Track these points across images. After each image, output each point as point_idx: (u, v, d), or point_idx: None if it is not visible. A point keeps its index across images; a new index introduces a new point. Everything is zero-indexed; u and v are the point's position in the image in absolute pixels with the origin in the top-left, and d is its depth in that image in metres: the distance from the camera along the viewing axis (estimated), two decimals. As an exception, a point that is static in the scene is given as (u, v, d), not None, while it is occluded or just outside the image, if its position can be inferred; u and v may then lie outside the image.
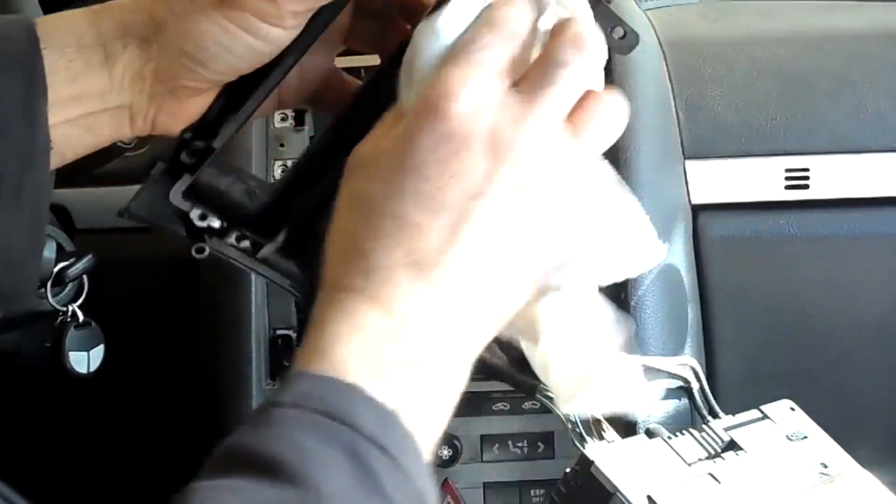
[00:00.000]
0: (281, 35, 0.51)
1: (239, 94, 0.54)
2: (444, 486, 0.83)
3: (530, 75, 0.44)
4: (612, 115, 0.46)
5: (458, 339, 0.44)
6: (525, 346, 0.51)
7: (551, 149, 0.43)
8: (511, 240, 0.43)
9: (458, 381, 0.45)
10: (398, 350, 0.42)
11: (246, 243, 0.54)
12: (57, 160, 0.52)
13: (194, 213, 0.54)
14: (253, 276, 0.88)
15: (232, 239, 0.54)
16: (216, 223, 0.54)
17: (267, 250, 0.53)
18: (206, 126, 0.54)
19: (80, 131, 0.53)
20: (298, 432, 0.39)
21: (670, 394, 0.84)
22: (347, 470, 0.38)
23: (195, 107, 0.54)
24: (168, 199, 0.53)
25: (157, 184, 0.54)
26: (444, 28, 0.45)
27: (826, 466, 0.75)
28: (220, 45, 0.50)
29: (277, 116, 0.92)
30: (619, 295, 0.85)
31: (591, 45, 0.45)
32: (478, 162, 0.42)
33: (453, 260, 0.42)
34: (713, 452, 0.73)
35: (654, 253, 0.51)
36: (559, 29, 0.45)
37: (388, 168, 0.43)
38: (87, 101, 0.52)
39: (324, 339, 0.42)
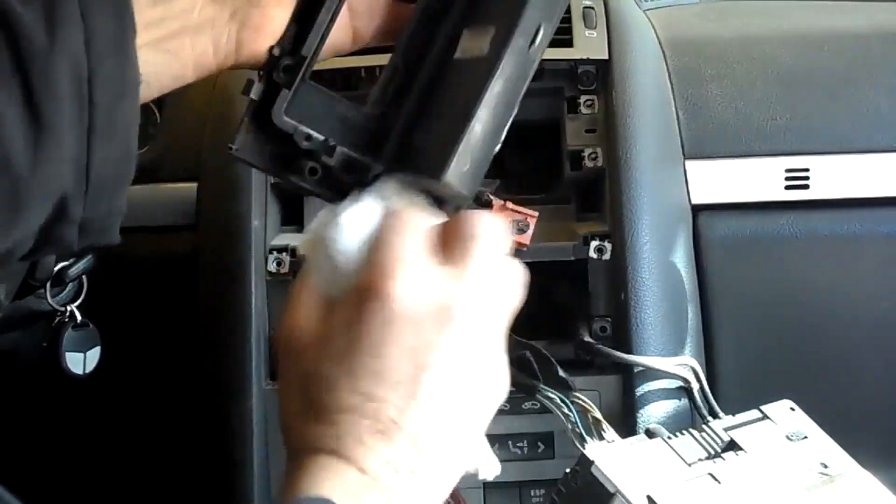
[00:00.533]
0: None
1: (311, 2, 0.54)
2: (444, 487, 0.83)
3: (452, 249, 0.50)
4: (514, 279, 0.54)
5: (425, 485, 0.49)
6: None
7: (482, 311, 0.50)
8: (459, 395, 0.50)
9: None
10: (376, 499, 0.47)
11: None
12: (145, 92, 0.52)
13: (299, 135, 0.54)
14: (253, 276, 0.88)
15: (336, 161, 0.54)
16: (320, 141, 0.54)
17: (376, 169, 0.54)
18: (292, 41, 0.55)
19: (164, 58, 0.54)
20: None
21: (670, 394, 0.84)
22: None
23: (278, 19, 0.55)
24: (268, 131, 0.54)
25: (256, 115, 0.54)
26: (346, 223, 0.51)
27: (826, 466, 0.75)
28: None
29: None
30: (619, 295, 0.85)
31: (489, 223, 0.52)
32: (424, 335, 0.48)
33: (411, 423, 0.48)
34: (713, 452, 0.73)
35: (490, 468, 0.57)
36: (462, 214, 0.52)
37: (342, 350, 0.48)
38: (168, 22, 0.53)
39: (308, 493, 0.46)
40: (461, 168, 0.50)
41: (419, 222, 0.51)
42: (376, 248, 0.49)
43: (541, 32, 0.52)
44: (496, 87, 0.50)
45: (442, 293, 0.49)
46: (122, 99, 0.50)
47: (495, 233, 0.52)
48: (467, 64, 0.53)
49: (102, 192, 0.51)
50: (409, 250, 0.49)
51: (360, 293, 0.48)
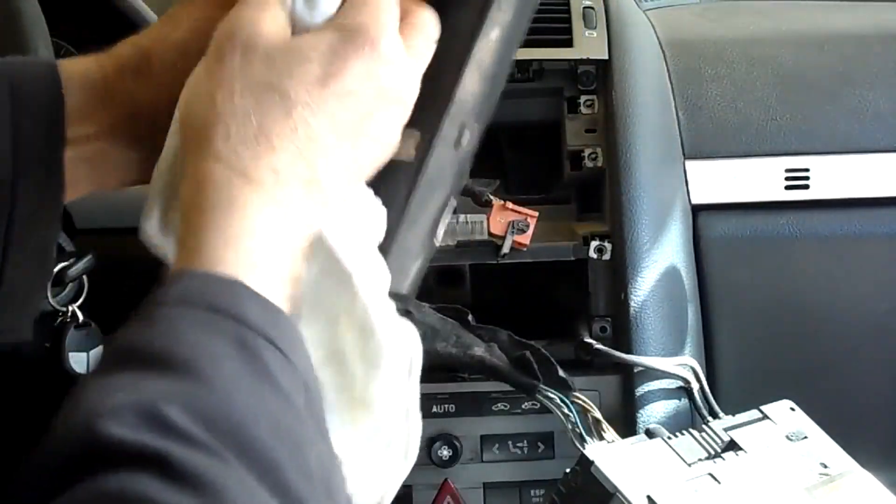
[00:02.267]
0: None
1: None
2: (444, 486, 0.83)
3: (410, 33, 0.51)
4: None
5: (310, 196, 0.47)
6: None
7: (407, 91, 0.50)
8: (357, 132, 0.48)
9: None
10: (276, 243, 0.44)
11: None
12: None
13: None
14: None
15: None
16: None
17: None
18: None
19: (88, 169, 0.54)
20: (185, 327, 0.39)
21: (670, 394, 0.84)
22: (238, 360, 0.39)
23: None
24: None
25: None
26: None
27: (826, 466, 0.75)
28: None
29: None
30: (619, 295, 0.85)
31: None
32: (379, 88, 0.48)
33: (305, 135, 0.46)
34: (713, 452, 0.73)
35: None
36: None
37: (315, 77, 0.47)
38: (95, 139, 0.53)
39: (206, 234, 0.43)
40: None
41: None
42: None
43: (466, 133, 0.54)
44: (424, 193, 0.53)
45: (404, 65, 0.49)
46: (42, 209, 0.51)
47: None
48: (400, 165, 0.53)
49: (13, 299, 0.51)
50: (392, 16, 0.49)
51: (348, 29, 0.48)
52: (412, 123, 0.52)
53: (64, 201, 0.52)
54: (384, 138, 0.50)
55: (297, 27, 0.50)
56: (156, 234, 0.52)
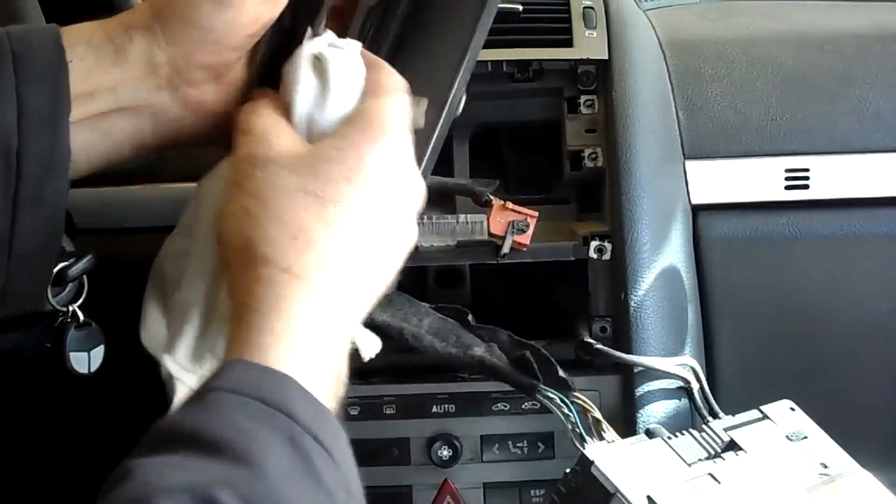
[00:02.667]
0: None
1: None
2: (444, 486, 0.83)
3: None
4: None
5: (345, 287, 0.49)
6: None
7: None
8: (382, 234, 0.51)
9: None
10: (322, 335, 0.47)
11: None
12: (74, 169, 0.53)
13: None
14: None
15: None
16: None
17: None
18: None
19: (97, 137, 0.54)
20: (239, 417, 0.40)
21: (670, 394, 0.84)
22: (287, 454, 0.40)
23: (210, 95, 0.55)
24: None
25: None
26: (352, 54, 0.55)
27: (826, 466, 0.75)
28: (223, 5, 0.52)
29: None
30: (619, 295, 0.85)
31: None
32: (395, 182, 0.51)
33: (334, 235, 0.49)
34: (713, 452, 0.73)
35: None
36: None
37: (332, 175, 0.49)
38: (101, 98, 0.53)
39: (257, 328, 0.45)
40: None
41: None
42: (377, 90, 0.53)
43: (461, 99, 0.59)
44: (433, 157, 0.58)
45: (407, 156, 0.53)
46: (50, 175, 0.51)
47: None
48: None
49: (24, 265, 0.52)
50: (401, 110, 0.53)
51: (360, 125, 0.51)
52: (422, 93, 0.55)
53: (69, 168, 0.52)
54: (410, 214, 0.53)
55: (315, 131, 0.53)
56: (186, 363, 0.53)
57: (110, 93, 0.53)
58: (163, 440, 0.40)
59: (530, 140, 0.96)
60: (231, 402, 0.41)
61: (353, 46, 0.55)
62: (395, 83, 0.54)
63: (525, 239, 0.84)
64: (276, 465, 0.39)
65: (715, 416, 0.80)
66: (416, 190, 0.53)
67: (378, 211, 0.50)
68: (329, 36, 0.55)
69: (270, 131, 0.51)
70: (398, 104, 0.53)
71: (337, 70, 0.53)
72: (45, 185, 0.51)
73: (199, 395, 0.42)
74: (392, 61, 0.56)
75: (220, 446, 0.39)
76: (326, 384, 0.46)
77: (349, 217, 0.49)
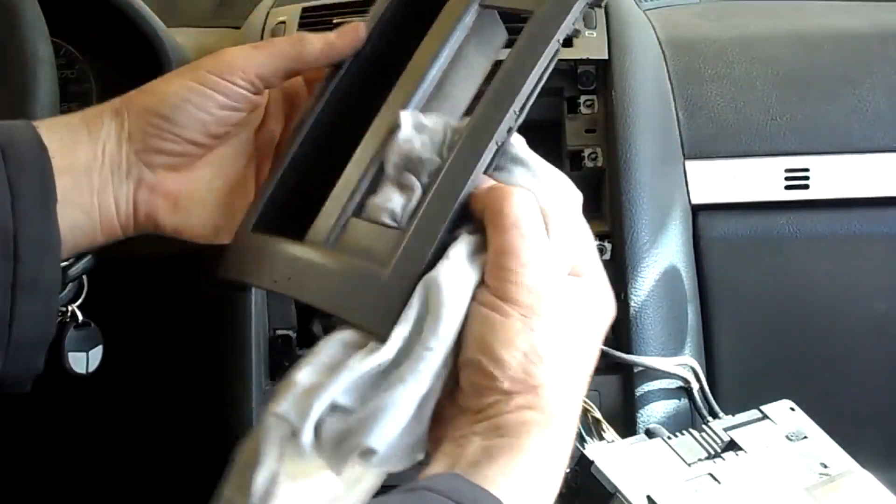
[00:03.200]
0: (251, 97, 0.56)
1: None
2: (444, 487, 0.83)
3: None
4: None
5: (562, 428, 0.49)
6: None
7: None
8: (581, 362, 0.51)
9: None
10: (548, 470, 0.47)
11: None
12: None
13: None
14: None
15: None
16: None
17: None
18: None
19: (77, 215, 0.55)
20: None
21: (670, 394, 0.84)
22: None
23: (168, 180, 0.57)
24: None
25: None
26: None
27: (826, 466, 0.75)
28: (187, 100, 0.55)
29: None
30: (619, 295, 0.85)
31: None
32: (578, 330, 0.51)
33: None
34: (713, 452, 0.73)
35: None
36: None
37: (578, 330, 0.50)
38: (78, 176, 0.55)
39: (493, 456, 0.45)
40: None
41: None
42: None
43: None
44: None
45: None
46: (45, 255, 0.52)
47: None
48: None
49: (22, 349, 0.53)
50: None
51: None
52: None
53: (62, 254, 0.54)
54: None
55: None
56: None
57: (84, 172, 0.55)
58: None
59: (530, 140, 0.96)
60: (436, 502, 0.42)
61: None
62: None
63: (525, 239, 0.84)
64: None
65: (715, 416, 0.80)
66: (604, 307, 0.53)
67: (582, 353, 0.50)
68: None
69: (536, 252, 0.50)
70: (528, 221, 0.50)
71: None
72: (42, 267, 0.52)
73: (416, 492, 0.43)
74: None
75: None
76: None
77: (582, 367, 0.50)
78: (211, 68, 0.56)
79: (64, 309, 0.81)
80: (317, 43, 0.57)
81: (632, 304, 0.84)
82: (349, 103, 0.59)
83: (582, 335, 0.49)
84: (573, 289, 0.50)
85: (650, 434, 0.74)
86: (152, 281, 0.98)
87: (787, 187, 0.92)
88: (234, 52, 0.57)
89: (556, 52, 0.54)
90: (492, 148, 0.53)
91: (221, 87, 0.55)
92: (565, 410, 0.48)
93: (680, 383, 0.83)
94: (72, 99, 0.96)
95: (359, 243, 0.53)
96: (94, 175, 0.56)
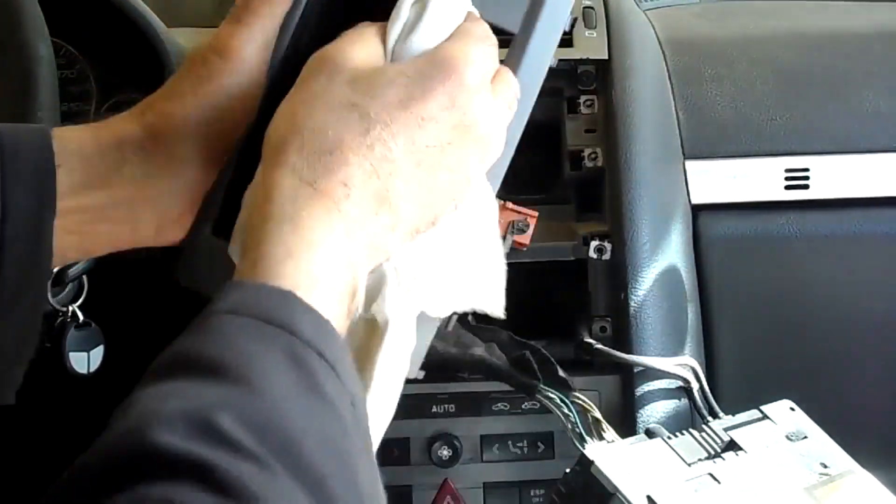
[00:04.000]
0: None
1: None
2: (444, 486, 0.83)
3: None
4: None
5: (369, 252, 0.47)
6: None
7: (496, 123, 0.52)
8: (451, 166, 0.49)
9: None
10: (336, 259, 0.44)
11: None
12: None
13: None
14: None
15: None
16: None
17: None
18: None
19: (75, 239, 0.53)
20: (239, 337, 0.40)
21: (670, 394, 0.84)
22: (288, 371, 0.39)
23: (194, 211, 0.55)
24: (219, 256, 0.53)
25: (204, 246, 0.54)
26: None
27: (826, 466, 0.75)
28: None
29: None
30: (619, 295, 0.85)
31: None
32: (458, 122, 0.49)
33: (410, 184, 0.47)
34: (713, 452, 0.73)
35: (496, 304, 0.56)
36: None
37: (397, 101, 0.47)
38: (88, 213, 0.52)
39: (269, 244, 0.43)
40: None
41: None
42: (465, 35, 0.51)
43: None
44: None
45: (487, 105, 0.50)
46: (28, 285, 0.50)
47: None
48: None
49: None
50: (485, 56, 0.51)
51: (436, 60, 0.49)
52: None
53: (51, 272, 0.52)
54: (461, 173, 0.50)
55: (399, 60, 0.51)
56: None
57: (96, 209, 0.52)
58: (164, 369, 0.40)
59: (530, 140, 0.96)
60: (232, 324, 0.40)
61: None
62: (484, 33, 0.52)
63: (525, 239, 0.84)
64: (277, 383, 0.38)
65: (715, 416, 0.80)
66: (485, 144, 0.50)
67: (428, 149, 0.47)
68: None
69: (355, 42, 0.50)
70: (483, 53, 0.50)
71: (435, 5, 0.51)
72: (22, 294, 0.50)
73: (201, 320, 0.41)
74: None
75: (218, 369, 0.37)
76: (335, 305, 0.43)
77: (394, 147, 0.46)
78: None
79: (64, 309, 0.81)
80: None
81: (632, 304, 0.84)
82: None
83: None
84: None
85: (650, 434, 0.74)
86: (152, 281, 0.98)
87: (787, 187, 0.92)
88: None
89: None
90: None
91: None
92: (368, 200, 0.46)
93: (680, 383, 0.83)
94: (72, 99, 0.96)
95: None
96: (107, 212, 0.53)
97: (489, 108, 0.50)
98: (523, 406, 0.84)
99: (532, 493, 0.84)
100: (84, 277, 0.81)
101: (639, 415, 0.83)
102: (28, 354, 0.53)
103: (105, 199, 0.52)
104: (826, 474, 0.74)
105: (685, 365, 0.83)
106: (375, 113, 0.46)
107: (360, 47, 0.50)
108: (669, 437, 0.73)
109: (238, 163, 0.54)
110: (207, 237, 0.54)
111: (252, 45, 0.53)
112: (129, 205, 0.53)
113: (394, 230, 0.47)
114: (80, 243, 0.53)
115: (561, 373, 0.77)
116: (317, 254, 0.43)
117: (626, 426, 0.82)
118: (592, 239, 0.86)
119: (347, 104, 0.47)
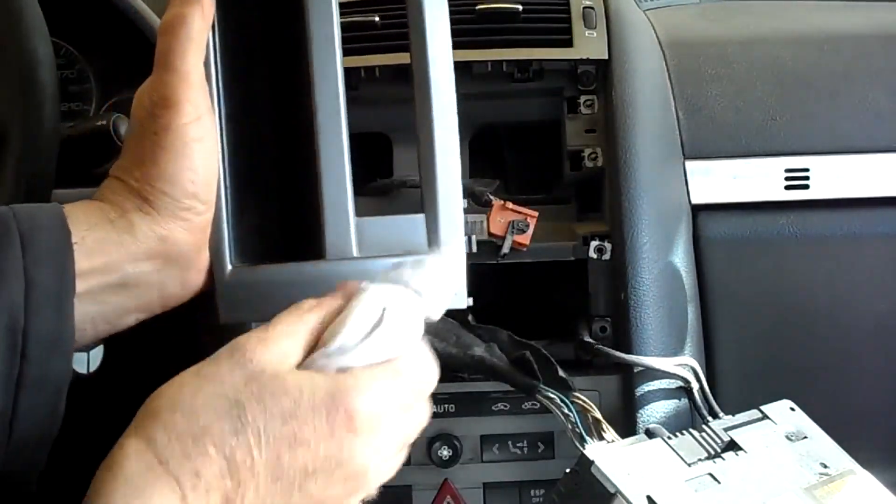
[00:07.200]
0: None
1: None
2: (444, 486, 0.83)
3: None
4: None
5: None
6: None
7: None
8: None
9: None
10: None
11: None
12: (81, 339, 0.53)
13: None
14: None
15: None
16: None
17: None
18: None
19: (101, 308, 0.54)
20: None
21: (670, 394, 0.84)
22: None
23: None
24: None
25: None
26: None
27: (826, 466, 0.75)
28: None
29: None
30: (619, 295, 0.85)
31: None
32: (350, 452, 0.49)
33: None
34: (713, 452, 0.73)
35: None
36: None
37: (279, 412, 0.47)
38: (105, 274, 0.54)
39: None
40: None
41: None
42: (386, 371, 0.50)
43: None
44: None
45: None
46: (54, 355, 0.51)
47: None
48: None
49: (23, 446, 0.52)
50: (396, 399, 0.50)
51: (340, 392, 0.48)
52: None
53: (73, 348, 0.53)
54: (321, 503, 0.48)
55: (332, 366, 0.50)
56: None
57: (114, 270, 0.54)
58: None
59: (530, 140, 0.96)
60: None
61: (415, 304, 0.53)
62: (412, 373, 0.51)
63: (525, 239, 0.84)
64: None
65: (715, 416, 0.80)
66: (356, 481, 0.49)
67: (291, 472, 0.47)
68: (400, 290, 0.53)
69: (278, 340, 0.49)
70: (391, 397, 0.50)
71: (384, 330, 0.51)
72: (50, 366, 0.51)
73: None
74: None
75: None
76: None
77: (257, 456, 0.46)
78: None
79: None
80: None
81: (632, 304, 0.84)
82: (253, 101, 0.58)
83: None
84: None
85: (650, 434, 0.74)
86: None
87: (787, 187, 0.92)
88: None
89: None
90: None
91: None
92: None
93: (680, 383, 0.83)
94: (72, 99, 0.96)
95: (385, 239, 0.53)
96: (127, 272, 0.55)
97: (371, 450, 0.49)
98: (523, 406, 0.84)
99: (532, 493, 0.84)
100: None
101: (639, 415, 0.83)
102: (54, 433, 0.54)
103: (120, 258, 0.54)
104: (826, 474, 0.74)
105: (685, 365, 0.83)
106: (253, 418, 0.46)
107: (279, 347, 0.49)
108: (669, 437, 0.73)
109: (229, 193, 0.56)
110: (232, 270, 0.55)
111: (187, 88, 0.55)
112: (144, 264, 0.55)
113: None
114: (106, 312, 0.55)
115: (561, 373, 0.77)
116: None
117: (626, 426, 0.82)
118: (592, 239, 0.86)
119: (232, 399, 0.46)
